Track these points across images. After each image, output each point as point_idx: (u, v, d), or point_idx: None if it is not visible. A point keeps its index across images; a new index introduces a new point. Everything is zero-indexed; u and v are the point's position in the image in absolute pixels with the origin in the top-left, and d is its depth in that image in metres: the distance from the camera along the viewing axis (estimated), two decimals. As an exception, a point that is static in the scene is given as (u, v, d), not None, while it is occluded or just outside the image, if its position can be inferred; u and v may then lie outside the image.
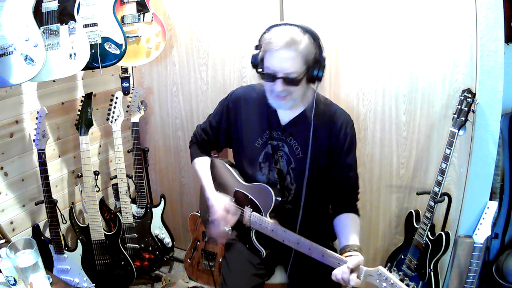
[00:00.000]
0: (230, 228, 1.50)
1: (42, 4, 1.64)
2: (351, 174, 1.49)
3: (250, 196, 1.51)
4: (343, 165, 1.48)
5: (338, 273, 1.24)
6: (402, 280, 1.17)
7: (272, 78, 1.32)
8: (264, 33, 1.36)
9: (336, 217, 1.48)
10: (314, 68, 1.32)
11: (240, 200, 1.55)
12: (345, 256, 1.29)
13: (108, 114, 2.18)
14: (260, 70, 1.37)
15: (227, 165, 1.66)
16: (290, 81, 1.31)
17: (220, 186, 1.63)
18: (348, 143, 1.46)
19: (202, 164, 1.67)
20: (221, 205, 1.50)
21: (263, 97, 1.48)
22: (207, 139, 1.69)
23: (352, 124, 1.49)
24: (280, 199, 1.45)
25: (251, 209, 1.50)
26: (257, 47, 1.39)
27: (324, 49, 1.35)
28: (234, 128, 1.60)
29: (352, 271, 1.23)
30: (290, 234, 1.40)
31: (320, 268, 1.45)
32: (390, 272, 1.18)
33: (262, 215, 1.46)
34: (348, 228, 1.42)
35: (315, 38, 1.32)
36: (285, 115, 1.50)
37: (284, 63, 1.28)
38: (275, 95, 1.36)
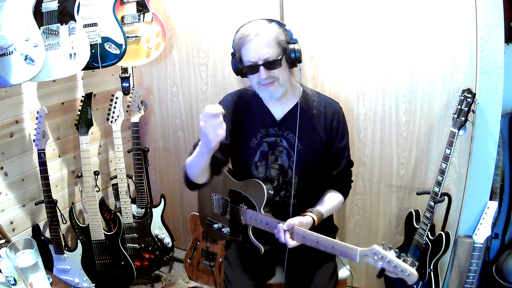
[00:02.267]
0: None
1: (42, 4, 1.64)
2: (343, 159, 1.57)
3: (243, 194, 1.53)
4: (336, 151, 1.54)
5: (276, 233, 1.38)
6: (398, 257, 1.14)
7: (254, 69, 1.38)
8: (234, 37, 1.43)
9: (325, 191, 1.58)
10: (290, 50, 1.39)
11: (235, 199, 1.56)
12: (302, 214, 1.43)
13: (108, 114, 2.18)
14: (241, 67, 1.43)
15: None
16: (271, 65, 1.36)
17: (215, 187, 1.63)
18: (341, 129, 1.53)
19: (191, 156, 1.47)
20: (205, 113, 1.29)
21: (252, 99, 1.53)
22: None
23: (342, 111, 1.56)
24: (272, 192, 1.48)
25: (246, 206, 1.51)
26: (232, 54, 1.46)
27: (293, 34, 1.42)
28: (227, 134, 1.59)
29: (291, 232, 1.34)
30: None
31: (317, 267, 1.45)
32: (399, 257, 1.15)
33: (256, 211, 1.47)
34: (323, 198, 1.54)
35: (281, 24, 1.41)
36: (279, 111, 1.52)
37: (260, 50, 1.35)
38: (263, 85, 1.41)
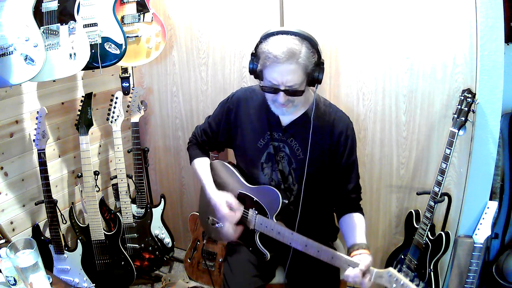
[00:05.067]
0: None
1: (42, 4, 1.64)
2: (353, 175, 1.51)
3: (255, 199, 1.51)
4: (345, 167, 1.49)
5: (350, 276, 1.25)
6: (411, 281, 1.19)
7: (275, 91, 1.33)
8: (261, 42, 1.35)
9: (342, 218, 1.50)
10: (314, 72, 1.33)
11: (244, 202, 1.54)
12: (354, 255, 1.30)
13: (108, 114, 2.18)
14: (261, 83, 1.38)
15: (229, 166, 1.65)
16: (292, 93, 1.32)
17: (222, 188, 1.62)
18: (350, 145, 1.47)
19: (202, 164, 1.67)
20: (223, 202, 1.50)
21: (264, 99, 1.50)
22: (206, 140, 1.70)
23: (352, 126, 1.50)
24: (287, 201, 1.46)
25: (256, 212, 1.50)
26: (253, 55, 1.39)
27: (322, 52, 1.35)
28: (235, 129, 1.60)
29: (364, 273, 1.24)
30: (297, 236, 1.39)
31: (318, 268, 1.45)
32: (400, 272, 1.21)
33: (268, 218, 1.46)
34: (355, 227, 1.43)
35: (313, 44, 1.32)
36: (286, 117, 1.50)
37: (285, 76, 1.28)
38: (277, 104, 1.38)
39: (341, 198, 1.51)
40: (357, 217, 1.47)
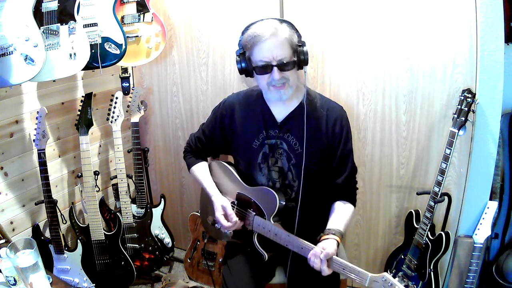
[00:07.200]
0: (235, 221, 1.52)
1: (42, 4, 1.64)
2: (348, 165, 1.52)
3: (253, 200, 1.51)
4: (340, 157, 1.51)
5: (311, 260, 1.30)
6: (407, 286, 1.18)
7: (268, 69, 1.36)
8: (242, 34, 1.41)
9: (332, 205, 1.52)
10: (299, 52, 1.38)
11: (243, 203, 1.55)
12: (322, 239, 1.34)
13: (108, 114, 2.18)
14: (251, 66, 1.41)
15: (229, 166, 1.66)
16: (284, 66, 1.36)
17: (222, 188, 1.62)
18: (345, 135, 1.50)
19: (201, 168, 1.68)
20: (219, 204, 1.52)
21: (256, 100, 1.53)
22: (201, 147, 1.71)
23: (346, 116, 1.53)
24: (284, 202, 1.46)
25: (254, 213, 1.50)
26: (239, 52, 1.43)
27: (301, 35, 1.42)
28: (229, 134, 1.61)
29: (324, 260, 1.27)
30: (294, 238, 1.39)
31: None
32: (395, 277, 1.19)
33: (265, 219, 1.46)
34: (336, 213, 1.47)
35: (291, 25, 1.40)
36: (280, 112, 1.51)
37: (274, 50, 1.34)
38: (273, 86, 1.40)
39: (335, 187, 1.52)
40: (342, 205, 1.50)
